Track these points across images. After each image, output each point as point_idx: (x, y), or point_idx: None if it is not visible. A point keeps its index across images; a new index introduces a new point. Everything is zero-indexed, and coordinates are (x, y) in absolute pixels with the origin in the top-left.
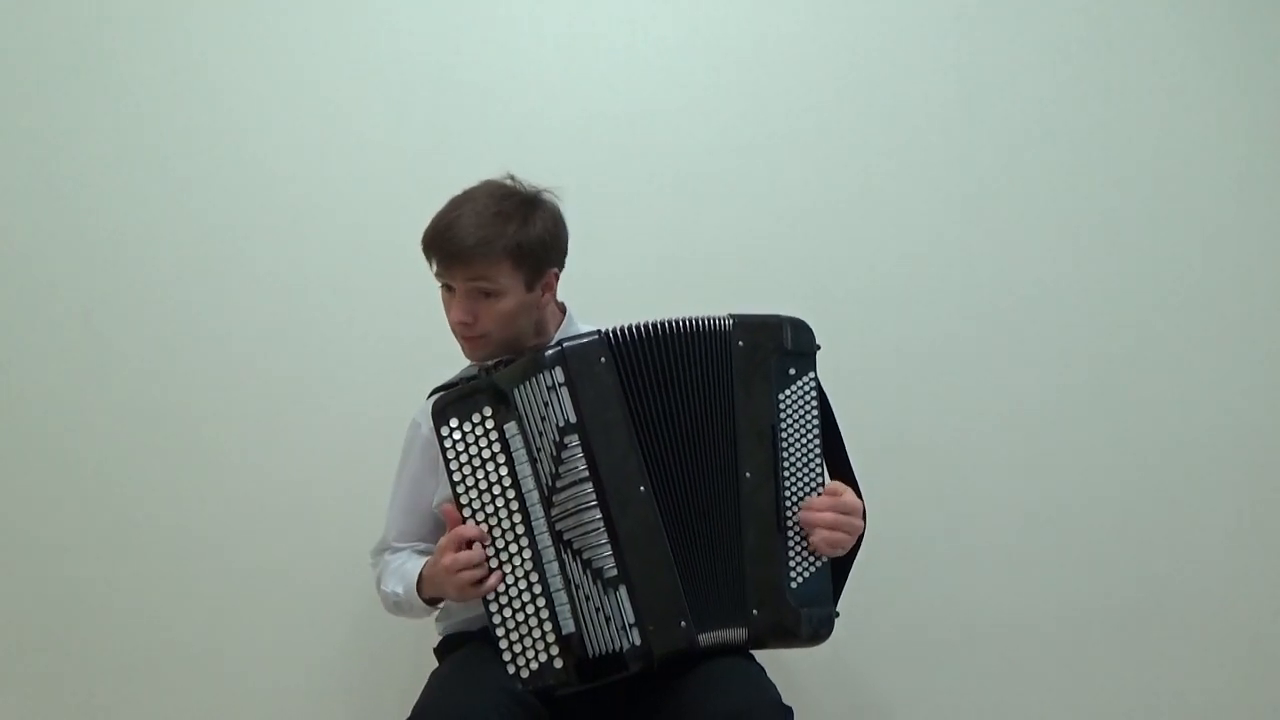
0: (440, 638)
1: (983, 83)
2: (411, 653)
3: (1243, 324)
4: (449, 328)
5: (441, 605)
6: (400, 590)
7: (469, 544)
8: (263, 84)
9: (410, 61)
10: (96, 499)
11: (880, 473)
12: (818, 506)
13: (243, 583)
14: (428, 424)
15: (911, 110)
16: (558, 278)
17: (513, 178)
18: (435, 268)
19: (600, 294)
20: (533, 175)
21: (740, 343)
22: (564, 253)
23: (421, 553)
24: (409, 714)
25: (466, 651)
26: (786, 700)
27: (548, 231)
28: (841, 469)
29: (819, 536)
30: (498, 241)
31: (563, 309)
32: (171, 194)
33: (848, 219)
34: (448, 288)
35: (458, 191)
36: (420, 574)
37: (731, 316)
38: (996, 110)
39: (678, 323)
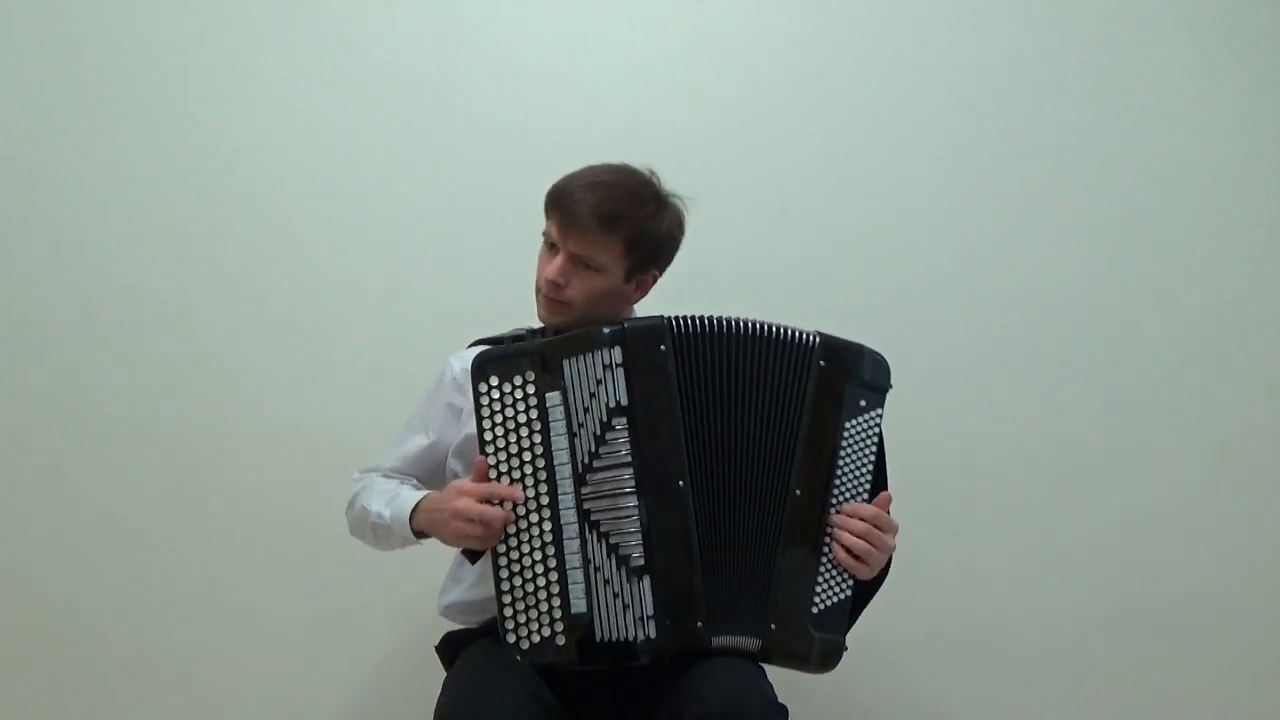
0: (442, 635)
1: (985, 84)
2: (413, 653)
3: (1248, 329)
4: (533, 284)
5: (449, 575)
6: (387, 514)
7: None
8: (264, 86)
9: (411, 62)
10: (95, 499)
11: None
12: (859, 514)
13: (246, 582)
14: (461, 366)
15: (924, 118)
16: (655, 281)
17: (653, 173)
18: (549, 225)
19: None
20: (534, 175)
21: (822, 362)
22: (670, 260)
23: (415, 488)
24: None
25: (482, 652)
26: (791, 699)
27: (670, 233)
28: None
29: (850, 543)
30: (623, 222)
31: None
32: (170, 192)
33: (851, 222)
34: (551, 246)
35: (458, 193)
36: (418, 505)
37: (818, 334)
38: (1012, 116)
39: (757, 325)
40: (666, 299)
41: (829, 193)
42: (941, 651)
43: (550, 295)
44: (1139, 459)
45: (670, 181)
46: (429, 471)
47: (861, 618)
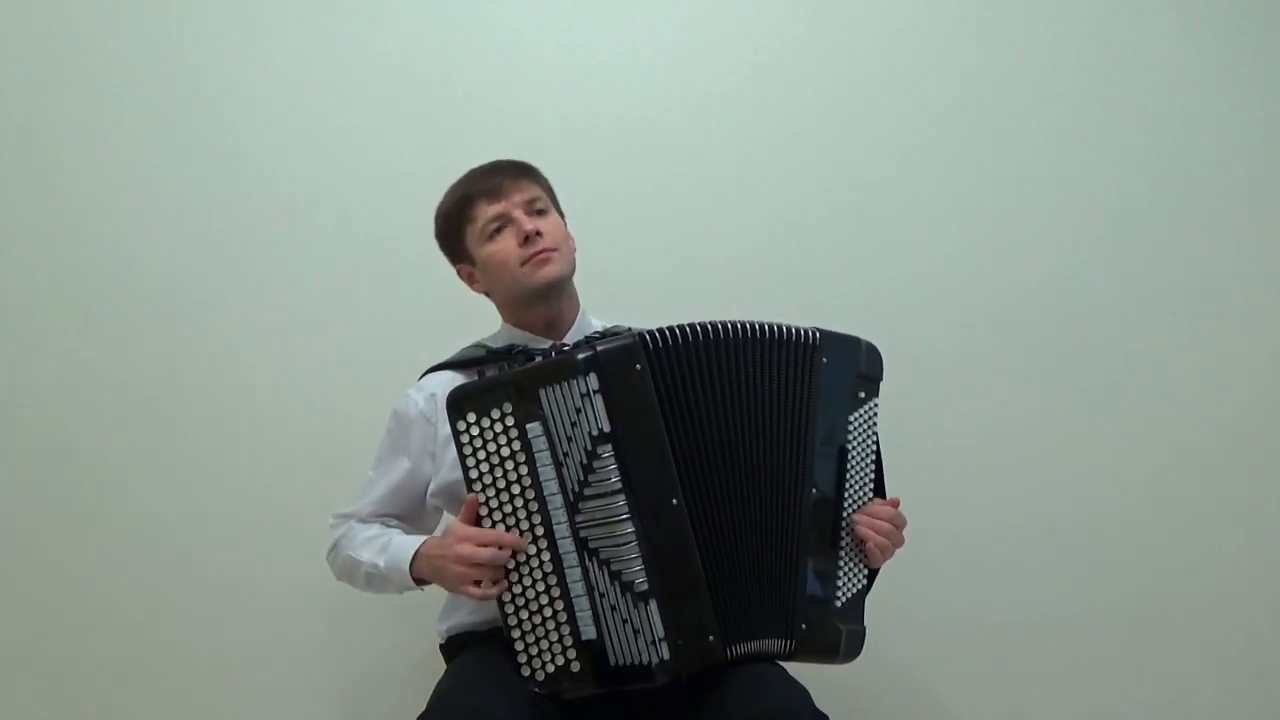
0: (446, 637)
1: (986, 85)
2: (414, 653)
3: (1245, 324)
4: (507, 277)
5: (446, 599)
6: (381, 563)
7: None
8: (262, 87)
9: (410, 63)
10: (95, 499)
11: (884, 474)
12: (881, 515)
13: (245, 581)
14: (424, 401)
15: (915, 113)
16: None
17: None
18: (485, 210)
19: (603, 292)
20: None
21: (825, 358)
22: None
23: (394, 529)
24: (421, 712)
25: (481, 652)
26: None
27: None
28: (880, 493)
29: (876, 542)
30: (534, 170)
31: (578, 304)
32: (166, 195)
33: (849, 222)
34: (498, 230)
35: None
36: (417, 552)
37: (818, 330)
38: (1001, 112)
39: (751, 327)
40: (666, 300)
41: (828, 191)
42: (946, 651)
43: (536, 250)
44: (1135, 453)
45: (671, 180)
46: (408, 506)
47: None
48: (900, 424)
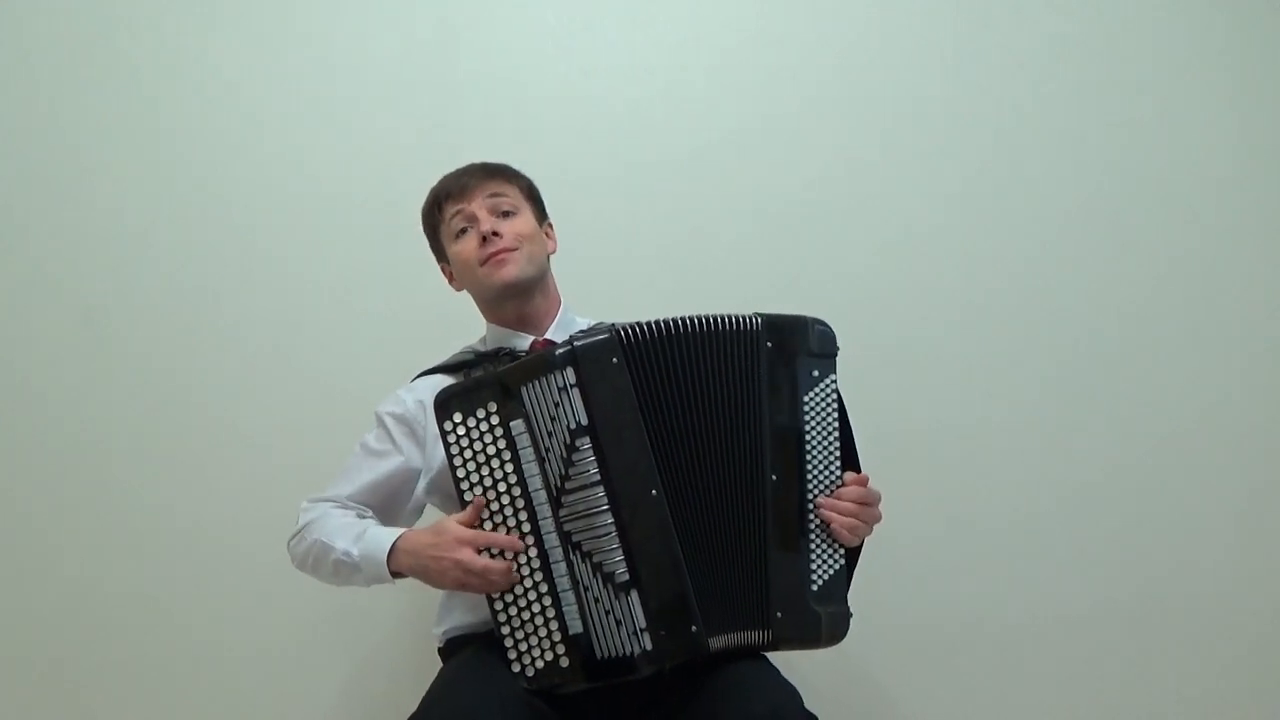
0: (444, 640)
1: (979, 79)
2: (414, 653)
3: (1243, 321)
4: (472, 277)
5: (441, 602)
6: (355, 552)
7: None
8: (262, 82)
9: (410, 59)
10: (94, 497)
11: (879, 472)
12: (845, 496)
13: (245, 580)
14: (413, 404)
15: (910, 107)
16: (553, 232)
17: None
18: (454, 212)
19: (595, 288)
20: (531, 171)
21: (769, 343)
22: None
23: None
24: (413, 712)
25: (474, 652)
26: None
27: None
28: (854, 469)
29: (841, 524)
30: (510, 171)
31: (558, 300)
32: (166, 194)
33: (846, 216)
34: (463, 230)
35: None
36: (395, 545)
37: (759, 316)
38: (995, 105)
39: (701, 320)
40: (665, 297)
41: (827, 190)
42: (942, 650)
43: (495, 250)
44: (1136, 455)
45: (673, 192)
46: (389, 500)
47: (861, 618)
48: (896, 423)
